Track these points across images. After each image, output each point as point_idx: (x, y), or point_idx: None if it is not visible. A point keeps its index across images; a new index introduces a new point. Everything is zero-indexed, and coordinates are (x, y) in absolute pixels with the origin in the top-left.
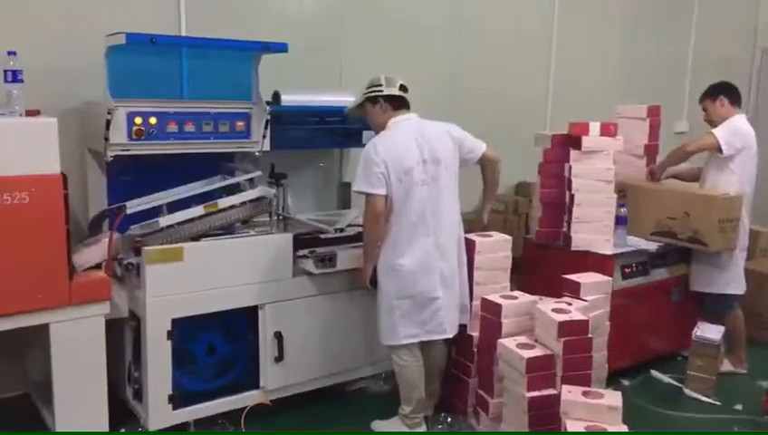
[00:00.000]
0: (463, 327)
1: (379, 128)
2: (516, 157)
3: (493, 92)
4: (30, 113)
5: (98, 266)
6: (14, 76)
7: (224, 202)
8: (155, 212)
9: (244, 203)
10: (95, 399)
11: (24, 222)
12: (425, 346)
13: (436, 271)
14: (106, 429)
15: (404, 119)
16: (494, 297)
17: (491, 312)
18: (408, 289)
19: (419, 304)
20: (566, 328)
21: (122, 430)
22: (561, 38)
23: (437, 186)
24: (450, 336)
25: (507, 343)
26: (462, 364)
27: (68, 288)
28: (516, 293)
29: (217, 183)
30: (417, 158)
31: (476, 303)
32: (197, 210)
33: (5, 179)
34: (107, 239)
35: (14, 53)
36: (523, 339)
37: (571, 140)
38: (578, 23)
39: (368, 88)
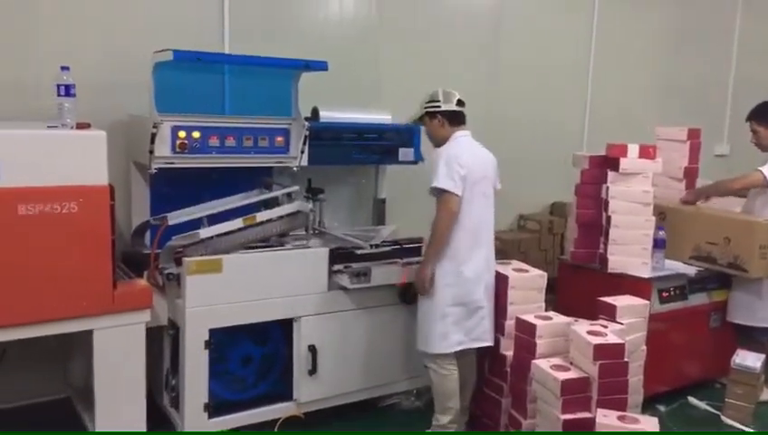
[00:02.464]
0: (496, 345)
1: (437, 140)
2: (551, 177)
3: (529, 111)
4: (80, 126)
5: (140, 275)
6: (67, 90)
7: (262, 216)
8: (196, 223)
9: (281, 217)
10: (134, 404)
11: (72, 231)
12: (461, 357)
13: (484, 281)
14: None
15: (465, 134)
16: (529, 317)
17: (525, 332)
18: (463, 297)
19: (469, 312)
20: (602, 351)
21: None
22: (599, 57)
23: (488, 202)
24: (491, 344)
25: (541, 364)
26: (494, 384)
27: (111, 296)
28: (551, 313)
29: (256, 197)
30: (482, 171)
31: (510, 322)
32: (236, 223)
33: (56, 189)
34: None
35: (68, 69)
36: (557, 360)
37: (608, 162)
38: (616, 42)
39: (427, 102)
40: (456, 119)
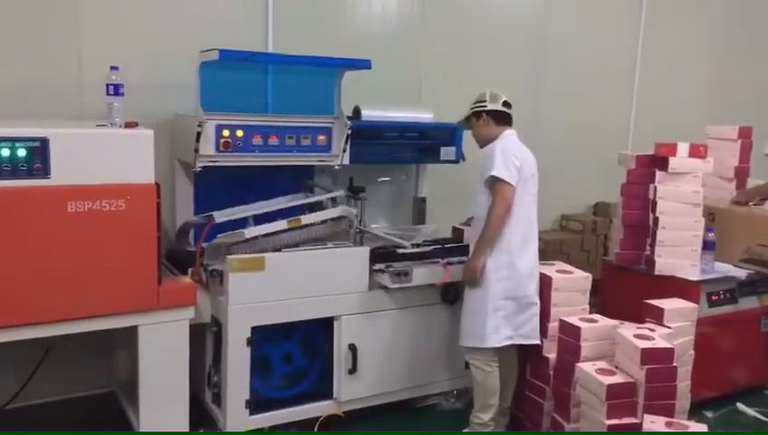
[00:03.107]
0: (538, 347)
1: (482, 140)
2: (595, 176)
3: (573, 110)
4: (129, 125)
5: (183, 273)
6: (116, 90)
7: (306, 218)
8: (241, 223)
9: (325, 221)
10: (177, 400)
11: (119, 228)
12: (504, 355)
13: (536, 278)
14: (186, 429)
15: (512, 133)
16: (573, 320)
17: (569, 334)
18: (515, 291)
19: (520, 307)
20: (650, 355)
21: (200, 432)
22: (646, 55)
23: (535, 200)
24: (540, 342)
25: (586, 367)
26: (536, 386)
27: (156, 293)
28: (596, 316)
29: (301, 199)
30: (532, 169)
31: (554, 324)
32: (281, 224)
33: (105, 187)
34: None
35: (117, 68)
36: (602, 364)
37: (657, 161)
38: (664, 39)
39: (474, 103)
40: (502, 119)
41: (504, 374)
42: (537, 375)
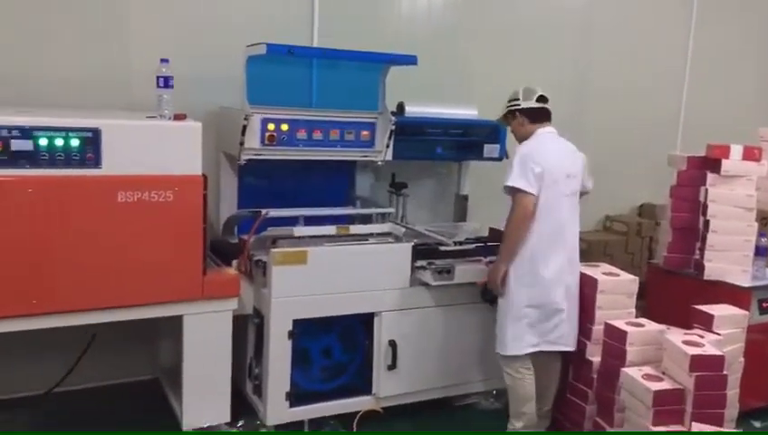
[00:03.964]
0: (581, 349)
1: (521, 139)
2: (641, 177)
3: (619, 108)
4: (178, 117)
5: (229, 264)
6: (166, 82)
7: (355, 229)
8: (291, 221)
9: (371, 234)
10: (219, 389)
11: (166, 219)
12: (541, 361)
13: (564, 284)
14: (228, 419)
15: (548, 131)
16: (619, 323)
17: (615, 338)
18: (540, 298)
19: (546, 314)
20: (699, 362)
21: (240, 423)
22: (697, 55)
23: (573, 201)
24: (571, 349)
25: (632, 372)
26: (579, 390)
27: (201, 283)
28: (642, 320)
29: (352, 209)
30: (563, 170)
31: (598, 327)
32: (330, 229)
33: (154, 178)
34: None
35: (167, 61)
36: (648, 370)
37: (708, 163)
38: (715, 39)
39: (508, 101)
40: (538, 116)
41: (543, 379)
42: (580, 378)
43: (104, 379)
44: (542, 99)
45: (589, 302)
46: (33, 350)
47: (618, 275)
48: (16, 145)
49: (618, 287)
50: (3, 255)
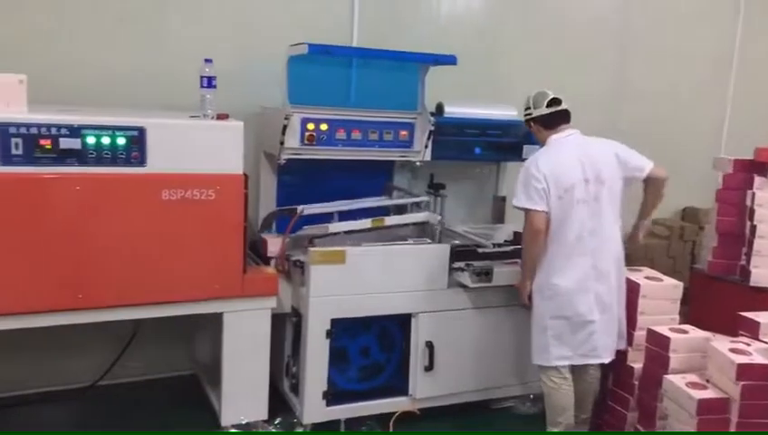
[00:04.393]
0: (621, 355)
1: (543, 145)
2: (684, 180)
3: (661, 110)
4: (220, 117)
5: (266, 263)
6: (209, 82)
7: (390, 220)
8: (326, 217)
9: (407, 224)
10: (257, 386)
11: (208, 217)
12: (578, 370)
13: (592, 293)
14: (265, 416)
15: (564, 135)
16: (662, 329)
17: (658, 344)
18: (563, 310)
19: (574, 326)
20: (746, 371)
21: (277, 420)
22: (743, 56)
23: (599, 206)
24: (606, 362)
25: (675, 380)
26: (619, 396)
27: (242, 281)
28: (687, 326)
29: (386, 201)
30: (579, 176)
31: (640, 333)
32: (365, 223)
33: (197, 177)
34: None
35: (211, 61)
36: (692, 377)
37: (756, 166)
38: (762, 42)
39: (524, 109)
40: (551, 121)
41: (580, 387)
42: (620, 385)
43: (145, 373)
44: (553, 102)
45: (631, 307)
46: (78, 344)
47: (661, 280)
48: (65, 143)
49: (661, 292)
50: (51, 250)
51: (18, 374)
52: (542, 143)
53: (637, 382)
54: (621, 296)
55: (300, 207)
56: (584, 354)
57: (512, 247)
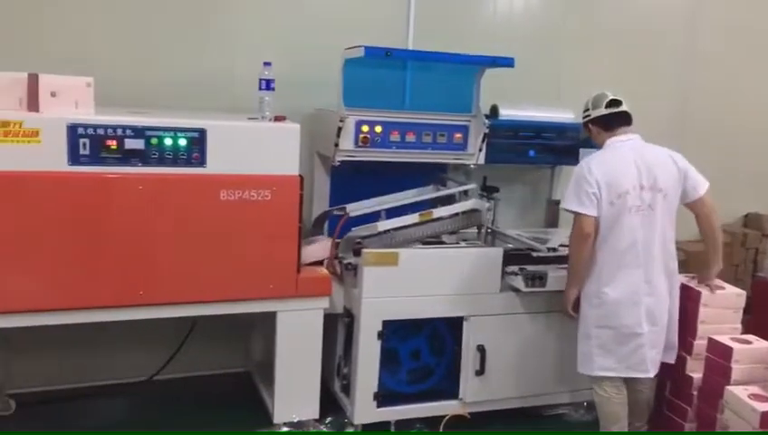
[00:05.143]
0: (680, 364)
1: (599, 148)
2: (746, 185)
3: (723, 113)
4: (278, 119)
5: (318, 263)
6: (268, 85)
7: (438, 212)
8: (374, 216)
9: (456, 214)
10: (309, 385)
11: (264, 218)
12: (629, 380)
13: (643, 305)
14: (317, 415)
15: (623, 139)
16: (724, 339)
17: (719, 354)
18: (609, 320)
19: (621, 337)
20: None
21: (328, 420)
22: None
23: (653, 214)
24: (651, 376)
25: (737, 391)
26: (677, 406)
27: (296, 282)
28: (750, 337)
29: (432, 193)
30: (634, 182)
31: (700, 342)
32: (413, 217)
33: (254, 178)
34: (327, 240)
35: (270, 64)
36: (756, 389)
37: None
38: None
39: (583, 111)
40: (611, 123)
41: (633, 396)
42: (678, 395)
43: (200, 369)
44: (612, 103)
45: (690, 315)
46: (137, 339)
47: (723, 289)
48: (130, 144)
49: (723, 301)
50: (115, 248)
51: (79, 367)
52: (600, 147)
53: (696, 393)
54: (674, 308)
55: (348, 207)
56: (631, 367)
57: (567, 252)
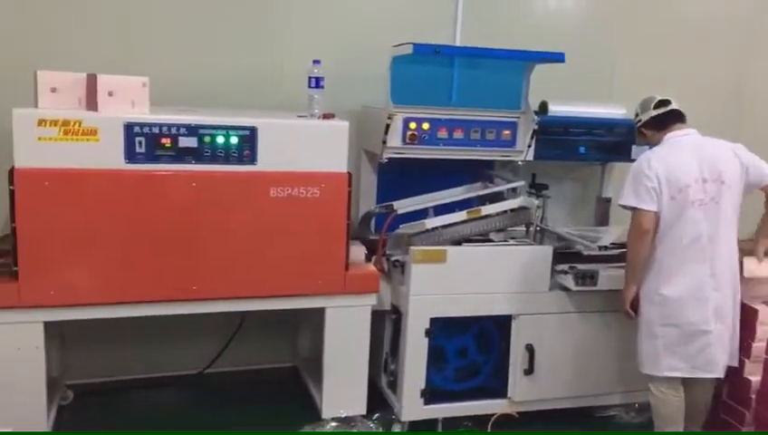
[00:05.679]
0: (731, 368)
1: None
2: None
3: None
4: (326, 116)
5: (367, 259)
6: (317, 83)
7: (486, 209)
8: (421, 213)
9: (505, 212)
10: (357, 381)
11: (313, 214)
12: (689, 382)
13: (710, 302)
14: (364, 411)
15: (681, 134)
16: None
17: None
18: (673, 318)
19: (687, 335)
20: None
21: (376, 416)
22: None
23: (717, 208)
24: (721, 376)
25: None
26: (734, 410)
27: (344, 278)
28: None
29: (480, 190)
30: (695, 175)
31: (759, 344)
32: (461, 215)
33: (304, 175)
34: (360, 247)
35: (319, 62)
36: None
37: None
38: None
39: (634, 119)
40: (663, 122)
41: (690, 398)
42: (736, 398)
43: (249, 363)
44: (661, 103)
45: (750, 316)
46: (188, 332)
47: None
48: (183, 142)
49: None
50: (169, 243)
51: (131, 359)
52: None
53: (754, 396)
54: (736, 308)
55: (395, 204)
56: (698, 367)
57: (619, 251)
